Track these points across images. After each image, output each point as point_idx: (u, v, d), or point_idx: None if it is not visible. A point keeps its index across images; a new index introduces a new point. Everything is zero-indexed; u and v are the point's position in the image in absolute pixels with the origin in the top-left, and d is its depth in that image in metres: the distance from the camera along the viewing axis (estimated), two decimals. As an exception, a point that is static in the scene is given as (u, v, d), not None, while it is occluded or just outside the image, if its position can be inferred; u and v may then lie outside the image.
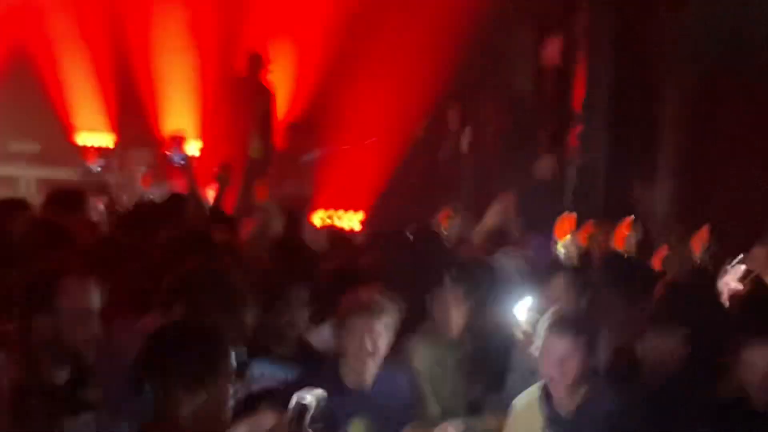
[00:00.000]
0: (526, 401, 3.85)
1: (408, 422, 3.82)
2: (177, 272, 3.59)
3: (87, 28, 10.46)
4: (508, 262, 5.66)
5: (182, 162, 6.99)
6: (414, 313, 4.28)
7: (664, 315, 4.25)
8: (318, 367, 3.77)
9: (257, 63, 9.99)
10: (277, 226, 6.09)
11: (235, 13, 10.73)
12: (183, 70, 10.76)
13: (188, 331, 2.74)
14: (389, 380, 3.76)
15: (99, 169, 8.57)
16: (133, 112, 10.64)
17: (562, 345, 3.64)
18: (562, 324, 3.74)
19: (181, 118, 10.71)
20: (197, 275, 3.54)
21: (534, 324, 4.37)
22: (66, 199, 5.78)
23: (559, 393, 3.67)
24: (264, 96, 9.96)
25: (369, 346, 3.62)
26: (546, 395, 3.71)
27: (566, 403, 3.67)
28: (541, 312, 4.34)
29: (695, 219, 9.29)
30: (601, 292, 4.97)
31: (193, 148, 10.28)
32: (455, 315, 4.42)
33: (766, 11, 9.15)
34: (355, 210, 9.19)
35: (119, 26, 10.53)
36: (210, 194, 7.26)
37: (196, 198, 6.53)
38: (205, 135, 10.53)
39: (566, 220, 7.48)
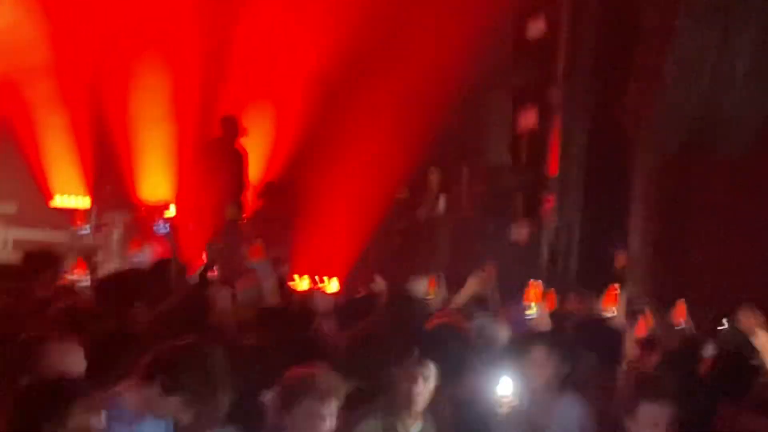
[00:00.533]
0: None
1: None
2: (163, 347, 3.51)
3: (66, 93, 10.46)
4: (488, 329, 5.65)
5: (165, 231, 7.05)
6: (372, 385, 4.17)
7: (656, 387, 4.25)
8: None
9: (231, 126, 10.05)
10: (271, 287, 6.04)
11: (213, 79, 10.77)
12: (160, 134, 10.73)
13: None
14: None
15: (87, 231, 8.52)
16: (109, 175, 10.62)
17: (657, 410, 3.82)
18: (656, 390, 3.94)
19: (157, 182, 10.75)
20: (183, 355, 3.44)
21: (517, 396, 4.34)
22: (43, 260, 5.77)
23: None
24: (238, 158, 10.01)
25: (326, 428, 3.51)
26: None
27: None
28: (522, 383, 4.35)
29: (671, 280, 9.61)
30: (579, 359, 4.98)
31: (171, 212, 10.35)
32: (421, 390, 4.16)
33: (737, 86, 9.42)
34: (335, 274, 9.18)
35: (97, 92, 10.52)
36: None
37: (178, 265, 6.50)
38: (180, 199, 10.50)
39: (533, 287, 7.51)
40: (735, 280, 8.77)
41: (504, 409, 4.27)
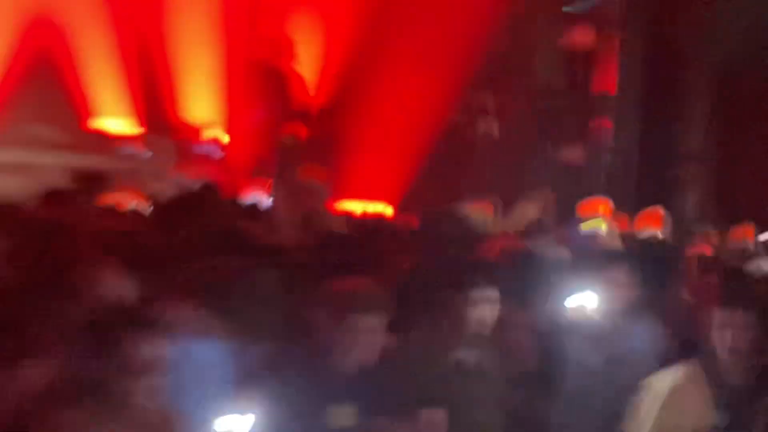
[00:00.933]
0: (674, 379, 3.81)
1: None
2: (211, 268, 3.52)
3: (110, 13, 10.32)
4: (551, 252, 5.53)
5: (214, 154, 6.97)
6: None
7: (730, 294, 4.23)
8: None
9: (283, 48, 9.84)
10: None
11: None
12: (207, 56, 10.53)
13: None
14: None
15: (130, 152, 8.42)
16: (155, 98, 10.42)
17: (739, 317, 3.72)
18: (735, 299, 3.89)
19: (202, 103, 10.50)
20: (230, 276, 3.47)
21: (595, 312, 4.45)
22: (91, 184, 5.72)
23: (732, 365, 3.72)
24: (292, 82, 9.82)
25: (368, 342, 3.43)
26: (713, 368, 3.73)
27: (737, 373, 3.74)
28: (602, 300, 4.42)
29: (728, 200, 9.63)
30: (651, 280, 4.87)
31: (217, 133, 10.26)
32: (485, 315, 4.07)
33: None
34: (387, 199, 9.07)
35: (142, 11, 10.39)
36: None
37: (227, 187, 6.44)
38: (230, 124, 10.40)
39: (602, 203, 7.36)
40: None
41: (581, 324, 4.33)
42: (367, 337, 3.41)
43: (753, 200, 9.19)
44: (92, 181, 6.77)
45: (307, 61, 10.07)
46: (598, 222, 6.99)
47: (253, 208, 6.32)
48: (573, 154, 10.34)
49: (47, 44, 10.10)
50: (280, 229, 5.86)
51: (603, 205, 7.36)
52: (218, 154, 8.24)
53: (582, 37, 10.46)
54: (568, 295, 4.54)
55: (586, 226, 6.89)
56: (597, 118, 10.55)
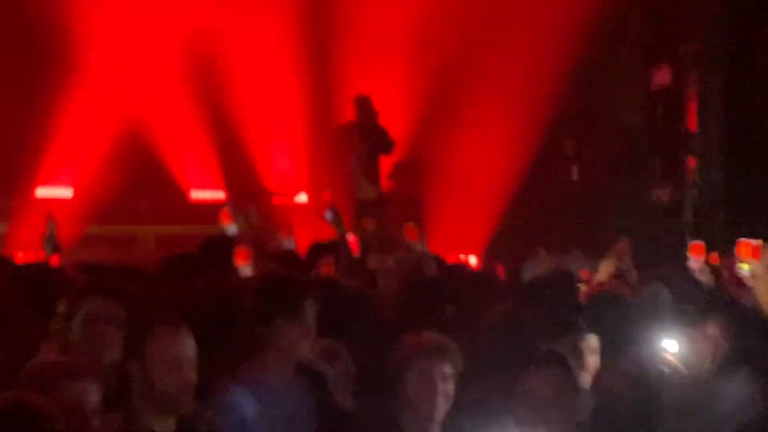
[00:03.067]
0: None
1: None
2: None
3: (196, 90, 10.96)
4: (657, 296, 5.54)
5: (332, 218, 7.27)
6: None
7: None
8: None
9: (365, 106, 10.15)
10: (430, 269, 6.08)
11: (331, 61, 11.12)
12: (285, 125, 11.27)
13: None
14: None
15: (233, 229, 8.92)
16: (240, 168, 11.15)
17: None
18: None
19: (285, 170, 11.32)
20: None
21: (686, 361, 4.40)
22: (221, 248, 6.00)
23: None
24: (374, 137, 10.19)
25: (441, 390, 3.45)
26: None
27: None
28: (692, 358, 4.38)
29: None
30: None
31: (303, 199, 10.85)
32: (590, 361, 4.08)
33: None
34: (471, 251, 9.30)
35: (223, 85, 11.01)
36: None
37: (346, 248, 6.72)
38: (309, 182, 10.97)
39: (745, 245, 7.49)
40: None
41: (670, 371, 4.27)
42: (434, 385, 3.44)
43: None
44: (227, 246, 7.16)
45: (384, 115, 10.44)
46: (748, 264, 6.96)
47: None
48: (662, 193, 10.58)
49: (145, 124, 10.78)
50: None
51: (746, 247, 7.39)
52: (336, 216, 8.64)
53: (660, 76, 10.74)
54: (661, 340, 4.54)
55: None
56: (682, 156, 10.77)
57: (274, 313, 3.59)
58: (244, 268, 6.13)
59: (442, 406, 3.43)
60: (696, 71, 10.68)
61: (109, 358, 3.50)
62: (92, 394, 3.02)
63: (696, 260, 7.27)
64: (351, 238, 7.24)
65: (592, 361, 4.07)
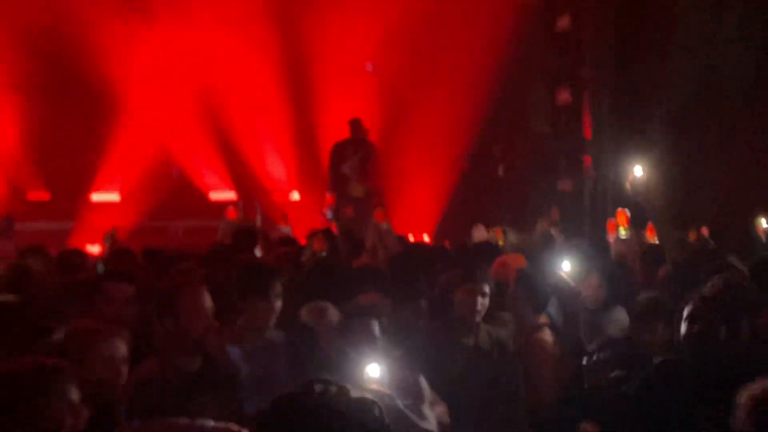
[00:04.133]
0: None
1: None
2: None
3: (209, 118, 13.33)
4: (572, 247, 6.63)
5: (332, 216, 9.52)
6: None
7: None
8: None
9: (357, 126, 12.37)
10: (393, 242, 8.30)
11: (311, 89, 13.64)
12: (277, 139, 13.82)
13: None
14: None
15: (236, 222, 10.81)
16: (245, 174, 13.62)
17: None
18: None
19: (283, 175, 13.79)
20: None
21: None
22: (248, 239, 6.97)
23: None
24: (364, 149, 12.42)
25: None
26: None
27: None
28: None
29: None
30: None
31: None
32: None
33: (728, 60, 11.51)
34: (425, 230, 11.75)
35: (229, 113, 13.39)
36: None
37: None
38: (303, 185, 13.49)
39: (622, 214, 8.49)
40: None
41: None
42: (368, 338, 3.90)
43: (703, 206, 11.13)
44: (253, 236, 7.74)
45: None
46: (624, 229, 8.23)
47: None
48: (565, 184, 12.80)
49: (173, 145, 13.18)
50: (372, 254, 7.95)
51: (622, 215, 8.55)
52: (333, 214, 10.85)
53: (562, 96, 12.88)
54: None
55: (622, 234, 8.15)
56: (581, 157, 12.93)
57: (246, 292, 4.10)
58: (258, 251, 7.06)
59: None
60: (590, 91, 12.70)
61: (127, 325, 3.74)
62: (120, 349, 3.26)
63: (610, 233, 8.50)
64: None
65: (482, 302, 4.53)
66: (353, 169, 12.17)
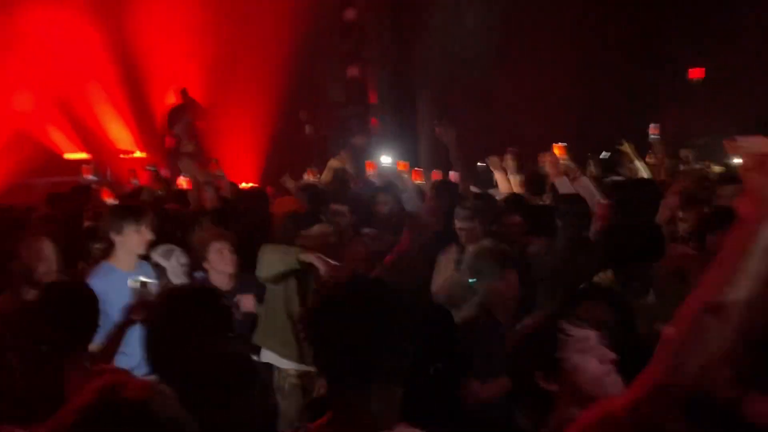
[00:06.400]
0: None
1: None
2: None
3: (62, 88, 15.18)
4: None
5: (153, 169, 12.06)
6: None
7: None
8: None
9: (186, 94, 14.87)
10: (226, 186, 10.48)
11: (148, 62, 15.78)
12: (120, 106, 15.90)
13: None
14: None
15: (94, 178, 11.61)
16: (97, 136, 15.64)
17: None
18: None
19: (128, 137, 15.91)
20: None
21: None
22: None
23: None
24: (192, 112, 14.94)
25: None
26: None
27: None
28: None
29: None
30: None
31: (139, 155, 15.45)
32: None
33: (477, 39, 14.71)
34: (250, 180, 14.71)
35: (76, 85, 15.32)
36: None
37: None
38: (147, 145, 15.81)
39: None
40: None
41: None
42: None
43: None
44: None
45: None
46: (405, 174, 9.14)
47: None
48: (358, 139, 15.71)
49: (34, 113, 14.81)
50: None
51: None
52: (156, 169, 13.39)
53: (352, 71, 15.91)
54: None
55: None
56: (368, 118, 15.97)
57: (123, 226, 4.86)
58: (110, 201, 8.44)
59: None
60: (372, 67, 15.62)
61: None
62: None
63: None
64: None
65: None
66: (183, 130, 14.61)
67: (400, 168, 9.31)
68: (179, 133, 14.78)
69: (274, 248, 5.17)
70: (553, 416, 2.45)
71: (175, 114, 14.95)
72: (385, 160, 10.25)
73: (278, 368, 5.31)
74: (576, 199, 5.92)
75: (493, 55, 14.79)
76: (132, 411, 1.62)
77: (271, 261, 5.10)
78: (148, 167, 11.69)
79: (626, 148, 8.17)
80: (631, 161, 8.06)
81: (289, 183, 9.71)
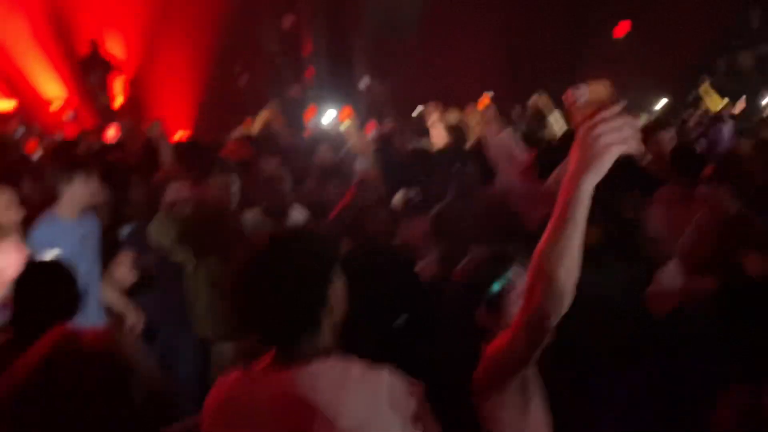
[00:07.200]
0: None
1: None
2: None
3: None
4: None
5: (73, 117, 11.97)
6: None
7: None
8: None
9: (97, 45, 14.69)
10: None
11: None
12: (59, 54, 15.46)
13: None
14: None
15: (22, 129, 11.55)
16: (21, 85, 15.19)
17: None
18: None
19: (54, 87, 15.49)
20: None
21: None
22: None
23: None
24: (104, 64, 14.84)
25: None
26: None
27: None
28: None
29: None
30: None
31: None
32: None
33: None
34: (186, 127, 14.71)
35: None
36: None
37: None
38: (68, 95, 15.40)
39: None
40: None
41: None
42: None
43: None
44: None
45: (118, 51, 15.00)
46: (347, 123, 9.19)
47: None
48: (295, 88, 15.93)
49: None
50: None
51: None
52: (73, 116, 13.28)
53: (287, 24, 16.00)
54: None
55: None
56: (305, 66, 16.18)
57: (73, 177, 4.91)
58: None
59: None
60: (308, 19, 15.94)
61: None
62: None
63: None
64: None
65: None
66: (97, 80, 14.62)
67: (346, 113, 9.47)
68: (94, 84, 14.62)
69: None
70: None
71: (86, 66, 14.78)
72: (330, 113, 10.33)
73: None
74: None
75: (427, 8, 14.99)
76: (90, 355, 1.64)
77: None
78: (66, 116, 11.55)
79: (542, 100, 8.29)
80: (548, 114, 8.19)
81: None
